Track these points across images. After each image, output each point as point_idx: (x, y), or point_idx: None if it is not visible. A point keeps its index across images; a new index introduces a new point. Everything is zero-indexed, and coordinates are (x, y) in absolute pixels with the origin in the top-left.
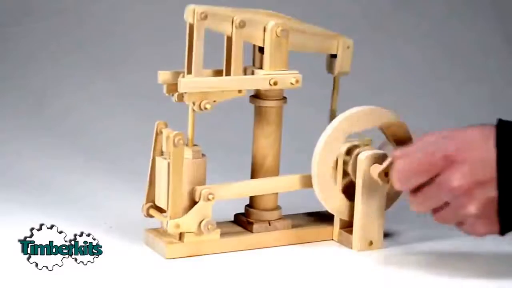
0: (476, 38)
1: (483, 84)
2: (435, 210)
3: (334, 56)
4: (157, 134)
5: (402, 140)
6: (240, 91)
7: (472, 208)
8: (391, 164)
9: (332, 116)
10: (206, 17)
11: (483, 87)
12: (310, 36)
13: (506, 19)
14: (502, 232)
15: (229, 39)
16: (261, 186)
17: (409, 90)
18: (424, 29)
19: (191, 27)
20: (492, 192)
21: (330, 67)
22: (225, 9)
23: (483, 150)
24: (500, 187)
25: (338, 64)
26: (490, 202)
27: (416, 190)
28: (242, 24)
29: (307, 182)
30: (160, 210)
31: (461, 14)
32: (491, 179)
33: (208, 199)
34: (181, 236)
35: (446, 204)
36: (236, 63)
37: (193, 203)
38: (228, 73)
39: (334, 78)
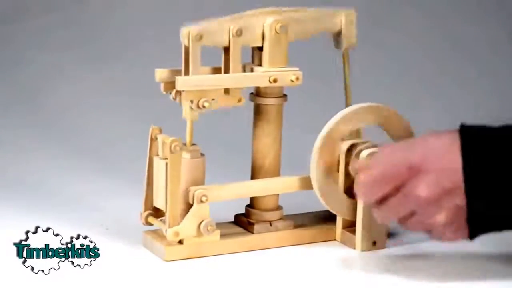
0: (480, 34)
1: (487, 81)
2: (402, 220)
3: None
4: (152, 140)
5: (401, 135)
6: (239, 100)
7: (440, 217)
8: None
9: (347, 91)
10: (201, 38)
11: (488, 84)
12: (311, 21)
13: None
14: (471, 237)
15: (227, 47)
16: (258, 187)
17: (412, 87)
18: (427, 24)
19: (187, 48)
20: (459, 199)
21: (337, 43)
22: (220, 21)
23: (448, 158)
24: (468, 194)
25: (345, 38)
26: (457, 209)
27: (381, 201)
28: (239, 33)
29: (307, 183)
30: (158, 211)
31: (464, 9)
32: (457, 187)
33: (201, 201)
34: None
35: (413, 213)
36: (235, 65)
37: (190, 204)
38: (226, 71)
39: (343, 53)
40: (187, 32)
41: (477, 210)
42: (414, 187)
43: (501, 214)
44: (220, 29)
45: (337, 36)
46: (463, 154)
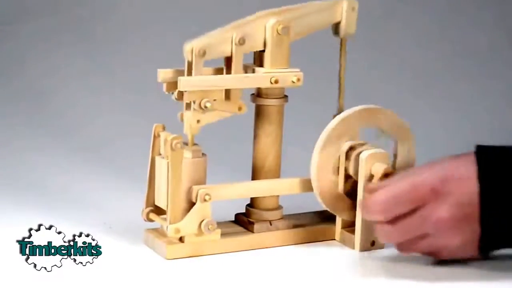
0: (480, 36)
1: (488, 82)
2: (408, 242)
3: None
4: (154, 137)
5: (401, 139)
6: (240, 108)
7: (456, 240)
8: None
9: (341, 83)
10: (204, 53)
11: (488, 85)
12: (314, 16)
13: (509, 15)
14: (483, 256)
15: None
16: (260, 188)
17: (412, 88)
18: (427, 26)
19: (190, 63)
20: (477, 225)
21: (335, 30)
22: (222, 32)
23: (467, 183)
24: (483, 222)
25: (343, 26)
26: (474, 232)
27: (393, 221)
28: (241, 42)
29: (308, 185)
30: (160, 210)
31: (464, 11)
32: (476, 212)
33: (205, 200)
34: (181, 236)
35: (424, 236)
36: (237, 69)
37: (192, 203)
38: (228, 73)
39: (341, 41)
40: (191, 48)
41: (492, 236)
42: (435, 210)
43: None
44: (222, 40)
45: (337, 23)
46: (480, 180)
